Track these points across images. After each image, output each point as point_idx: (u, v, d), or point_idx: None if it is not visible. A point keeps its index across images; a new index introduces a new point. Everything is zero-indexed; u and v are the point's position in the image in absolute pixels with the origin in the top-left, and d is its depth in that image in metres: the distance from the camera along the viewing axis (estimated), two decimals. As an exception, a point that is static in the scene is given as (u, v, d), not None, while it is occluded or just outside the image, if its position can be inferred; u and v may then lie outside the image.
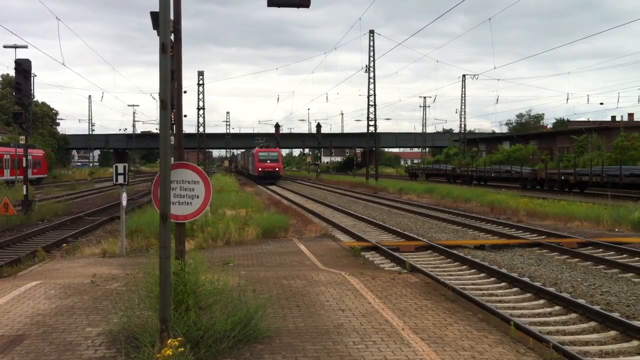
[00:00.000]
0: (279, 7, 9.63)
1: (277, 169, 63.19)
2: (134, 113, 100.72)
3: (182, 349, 5.44)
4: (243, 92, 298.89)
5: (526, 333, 7.68)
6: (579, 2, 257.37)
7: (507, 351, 6.58)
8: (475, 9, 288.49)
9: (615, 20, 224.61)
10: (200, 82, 68.95)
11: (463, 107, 79.06)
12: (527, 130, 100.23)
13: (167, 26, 5.88)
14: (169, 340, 5.45)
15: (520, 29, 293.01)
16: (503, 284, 11.71)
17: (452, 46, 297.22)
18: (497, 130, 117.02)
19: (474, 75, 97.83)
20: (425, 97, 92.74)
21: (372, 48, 55.63)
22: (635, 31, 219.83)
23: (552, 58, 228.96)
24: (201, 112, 69.21)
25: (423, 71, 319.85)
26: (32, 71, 24.67)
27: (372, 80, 56.22)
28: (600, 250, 15.62)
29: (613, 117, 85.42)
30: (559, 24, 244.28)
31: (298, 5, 9.53)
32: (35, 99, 69.17)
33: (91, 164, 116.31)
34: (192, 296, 6.70)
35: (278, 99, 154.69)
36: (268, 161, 62.85)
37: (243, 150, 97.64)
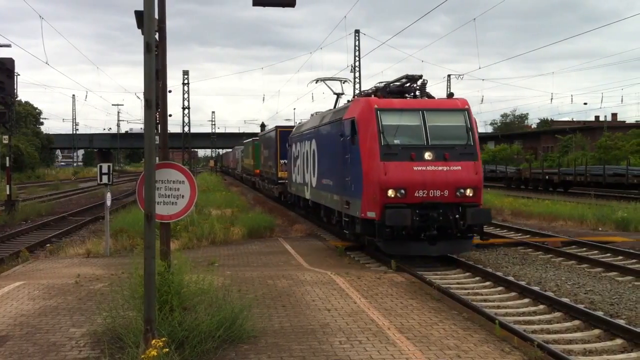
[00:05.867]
0: (264, 6, 9.58)
1: (472, 188, 12.83)
2: (118, 112, 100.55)
3: (167, 350, 5.41)
4: (228, 92, 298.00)
5: (511, 332, 7.72)
6: (558, 3, 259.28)
7: (491, 350, 6.61)
8: (456, 9, 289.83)
9: (595, 21, 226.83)
10: (185, 81, 68.56)
11: (448, 107, 79.26)
12: (511, 130, 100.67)
13: (152, 25, 5.84)
14: (153, 341, 5.42)
15: (502, 30, 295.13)
16: (488, 283, 11.77)
17: (436, 46, 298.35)
18: (482, 130, 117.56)
19: (459, 75, 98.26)
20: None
21: (357, 47, 55.70)
22: (615, 32, 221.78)
23: (535, 58, 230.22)
24: (186, 111, 68.82)
25: (408, 71, 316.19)
26: (16, 70, 24.38)
27: (357, 80, 56.27)
28: (584, 249, 15.73)
29: (597, 117, 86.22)
30: (540, 24, 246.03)
31: (284, 5, 9.50)
32: (18, 98, 68.51)
33: (75, 164, 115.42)
34: (177, 296, 6.68)
35: (263, 98, 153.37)
36: (427, 154, 12.57)
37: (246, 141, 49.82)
